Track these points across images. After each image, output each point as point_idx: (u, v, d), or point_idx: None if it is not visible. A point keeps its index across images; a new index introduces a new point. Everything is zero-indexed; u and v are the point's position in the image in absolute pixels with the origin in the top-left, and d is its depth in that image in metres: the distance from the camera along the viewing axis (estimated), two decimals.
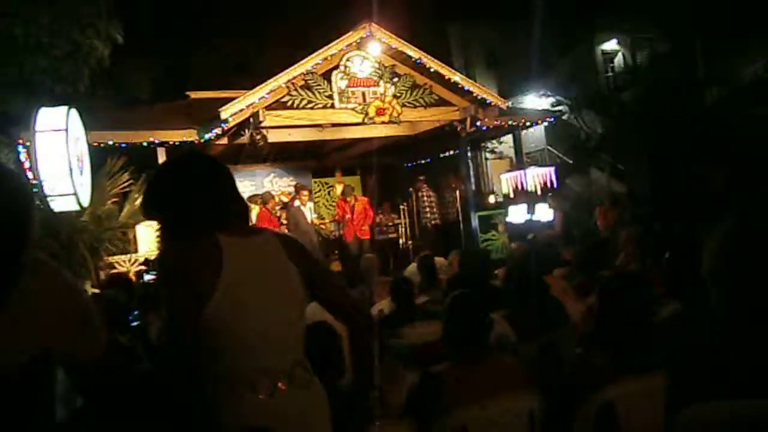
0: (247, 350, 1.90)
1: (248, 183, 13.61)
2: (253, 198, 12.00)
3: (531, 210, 11.67)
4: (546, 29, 14.59)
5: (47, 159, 7.33)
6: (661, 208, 11.52)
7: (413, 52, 11.13)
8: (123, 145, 10.17)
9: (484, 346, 2.86)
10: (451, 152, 13.79)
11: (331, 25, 11.74)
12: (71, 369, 1.73)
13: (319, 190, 14.96)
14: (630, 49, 18.90)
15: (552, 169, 12.89)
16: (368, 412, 2.52)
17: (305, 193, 12.22)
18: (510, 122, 13.06)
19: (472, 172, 14.02)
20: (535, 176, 12.44)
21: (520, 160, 13.88)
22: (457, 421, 2.56)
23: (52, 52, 8.59)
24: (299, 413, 1.95)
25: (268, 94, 10.30)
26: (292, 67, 10.50)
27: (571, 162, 16.62)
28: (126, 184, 9.72)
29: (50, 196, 7.39)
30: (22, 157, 8.77)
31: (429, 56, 11.30)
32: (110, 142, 10.02)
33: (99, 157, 9.34)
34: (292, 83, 10.53)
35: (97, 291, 7.68)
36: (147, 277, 9.78)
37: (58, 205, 7.53)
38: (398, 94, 11.20)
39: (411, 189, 13.99)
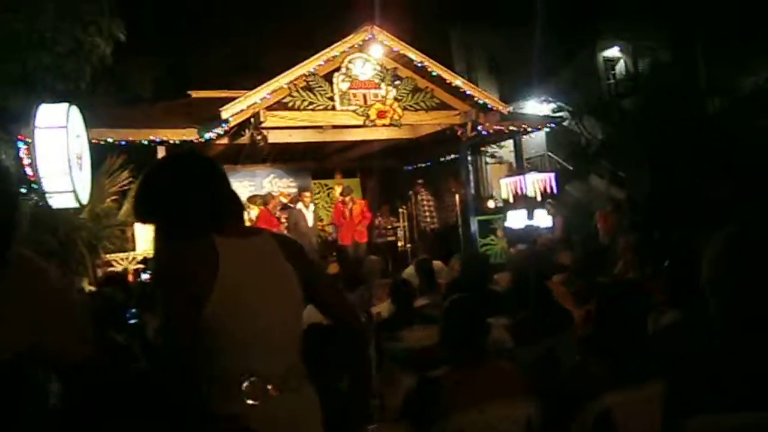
0: (243, 352, 1.89)
1: (248, 183, 13.60)
2: (252, 198, 11.99)
3: (530, 215, 11.68)
4: (548, 35, 14.60)
5: (47, 156, 7.34)
6: (660, 216, 11.51)
7: (415, 56, 11.14)
8: (123, 143, 10.17)
9: (482, 350, 2.85)
10: (452, 156, 13.80)
11: (333, 27, 11.74)
12: (59, 368, 1.71)
13: (319, 192, 14.95)
14: (632, 57, 18.91)
15: (552, 175, 12.91)
16: (364, 416, 2.51)
17: (308, 195, 12.22)
18: (511, 127, 13.06)
19: (472, 177, 14.02)
20: (535, 182, 12.45)
21: (521, 166, 13.89)
22: (455, 425, 2.55)
23: (55, 49, 8.58)
24: (289, 419, 1.93)
25: (269, 94, 10.30)
26: (294, 68, 10.51)
27: (571, 168, 16.62)
28: (125, 182, 9.72)
29: (49, 192, 7.39)
30: (22, 153, 8.76)
31: (431, 60, 11.31)
32: (110, 140, 10.03)
33: (99, 154, 9.34)
34: (294, 84, 10.53)
35: (94, 289, 7.68)
36: (144, 276, 9.80)
37: (57, 201, 7.53)
38: (399, 97, 11.21)
39: (410, 192, 13.99)
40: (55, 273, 1.70)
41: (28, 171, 8.29)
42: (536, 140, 17.37)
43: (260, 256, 2.01)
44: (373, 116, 10.96)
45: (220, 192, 2.03)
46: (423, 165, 15.30)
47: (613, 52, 19.23)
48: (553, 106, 16.87)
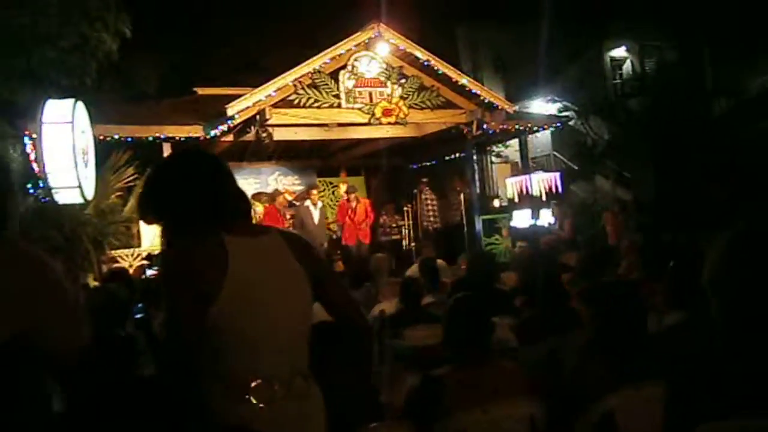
0: (250, 351, 1.88)
1: (253, 180, 13.60)
2: (257, 195, 12.01)
3: (535, 215, 11.66)
4: (555, 34, 14.58)
5: (53, 151, 7.35)
6: (665, 216, 11.49)
7: (421, 54, 11.13)
8: (129, 139, 10.18)
9: (485, 349, 2.84)
10: (457, 155, 13.78)
11: (340, 25, 11.74)
12: (51, 361, 1.69)
13: (324, 190, 14.95)
14: (639, 57, 18.86)
15: (557, 175, 12.87)
16: (366, 414, 2.52)
17: (315, 192, 12.22)
18: (517, 126, 13.05)
19: (477, 176, 14.01)
20: (541, 181, 12.43)
21: (526, 165, 13.86)
22: (458, 424, 2.54)
23: (60, 44, 8.59)
24: (295, 421, 1.92)
25: (275, 92, 10.31)
26: (300, 66, 10.51)
27: (576, 168, 16.59)
28: (130, 178, 9.73)
29: (55, 188, 7.40)
30: (28, 148, 8.79)
31: (437, 58, 11.30)
32: (116, 136, 10.04)
33: (104, 151, 9.36)
34: (300, 82, 10.53)
35: (98, 285, 7.70)
36: (149, 272, 9.83)
37: (63, 197, 7.55)
38: (405, 96, 11.20)
39: (415, 191, 13.98)
40: (58, 268, 1.69)
41: (35, 167, 8.32)
42: (542, 140, 17.33)
43: (270, 255, 2.00)
44: (378, 114, 10.96)
45: (227, 190, 2.02)
46: (428, 164, 15.27)
47: (620, 51, 19.17)
48: (559, 105, 16.83)
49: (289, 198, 12.88)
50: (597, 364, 2.70)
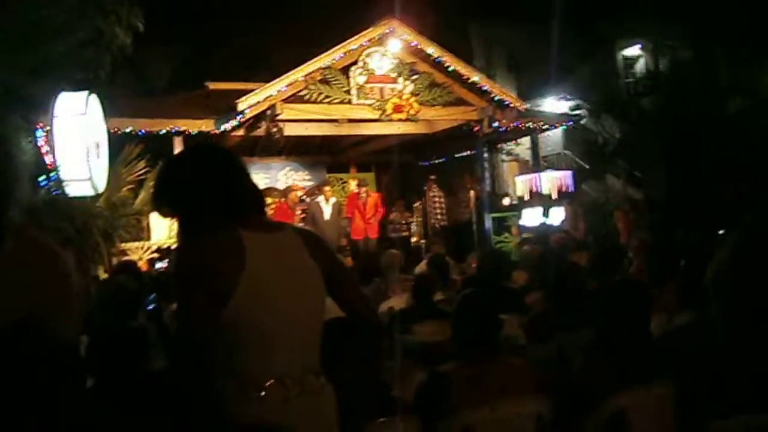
0: (265, 348, 1.88)
1: (263, 176, 13.62)
2: (268, 191, 12.02)
3: (546, 213, 11.63)
4: (568, 32, 14.51)
5: (65, 143, 7.37)
6: (677, 215, 11.43)
7: (434, 50, 11.10)
8: (141, 132, 10.22)
9: (494, 346, 2.84)
10: (468, 152, 13.75)
11: (352, 21, 11.72)
12: (48, 350, 1.68)
13: (334, 186, 14.96)
14: (652, 55, 18.74)
15: (568, 173, 12.82)
16: (378, 409, 2.52)
17: (328, 188, 12.21)
18: (528, 124, 13.00)
19: (487, 173, 13.98)
20: (551, 180, 12.38)
21: (537, 163, 13.82)
22: (465, 421, 2.54)
23: (74, 37, 8.61)
24: (306, 419, 1.91)
25: (285, 87, 10.32)
26: (311, 61, 10.53)
27: (587, 167, 16.52)
28: (142, 171, 9.76)
29: (66, 180, 7.43)
30: (41, 141, 8.82)
31: (450, 54, 11.27)
32: (128, 130, 10.08)
33: (117, 144, 9.39)
34: (311, 77, 10.54)
35: (107, 276, 7.74)
36: (159, 266, 9.87)
37: (74, 189, 7.56)
38: (417, 92, 11.18)
39: (425, 188, 13.96)
40: (69, 260, 1.70)
41: (47, 159, 8.36)
42: (553, 138, 17.27)
43: (285, 252, 2.00)
44: (389, 110, 10.95)
45: (240, 184, 2.02)
46: (438, 161, 15.26)
47: (633, 50, 19.06)
48: (571, 103, 16.75)
49: (300, 194, 12.89)
50: (605, 362, 2.69)
